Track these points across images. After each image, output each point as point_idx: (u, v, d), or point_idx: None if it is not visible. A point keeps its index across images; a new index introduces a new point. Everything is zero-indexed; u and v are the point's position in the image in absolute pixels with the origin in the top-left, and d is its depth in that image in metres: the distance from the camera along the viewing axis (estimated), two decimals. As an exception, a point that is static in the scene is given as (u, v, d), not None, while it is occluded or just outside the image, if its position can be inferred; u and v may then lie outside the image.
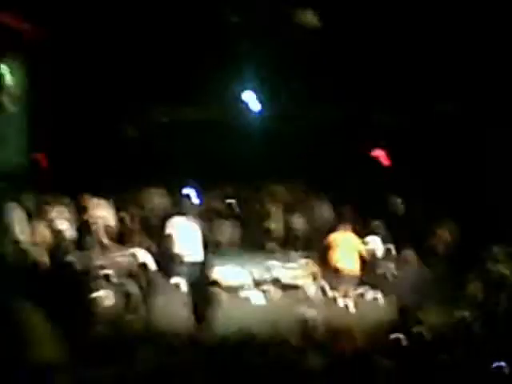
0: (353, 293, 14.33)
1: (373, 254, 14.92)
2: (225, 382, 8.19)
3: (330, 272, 14.53)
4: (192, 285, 12.26)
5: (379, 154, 18.00)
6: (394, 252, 14.70)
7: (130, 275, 12.59)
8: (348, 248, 14.51)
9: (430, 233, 15.99)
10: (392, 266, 14.57)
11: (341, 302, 12.21)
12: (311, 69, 16.20)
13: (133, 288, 12.33)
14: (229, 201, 17.47)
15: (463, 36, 15.64)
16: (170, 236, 14.85)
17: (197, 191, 16.12)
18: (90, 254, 14.31)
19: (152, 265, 13.48)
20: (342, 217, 16.05)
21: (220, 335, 10.80)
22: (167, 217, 15.40)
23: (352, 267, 14.45)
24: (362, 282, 15.15)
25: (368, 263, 14.96)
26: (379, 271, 14.85)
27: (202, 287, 12.18)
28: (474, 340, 10.30)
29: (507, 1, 15.41)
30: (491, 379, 8.64)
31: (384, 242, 14.85)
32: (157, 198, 17.50)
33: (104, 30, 16.16)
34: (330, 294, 14.28)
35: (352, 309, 12.91)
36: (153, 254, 13.95)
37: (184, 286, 12.82)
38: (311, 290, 11.93)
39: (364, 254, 14.62)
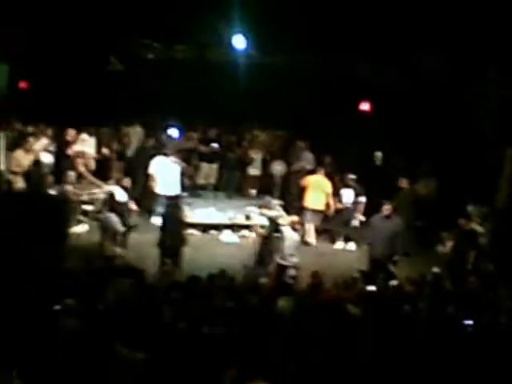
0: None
1: (346, 207, 15.09)
2: (192, 317, 8.33)
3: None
4: (166, 221, 12.31)
5: (362, 106, 17.95)
6: (362, 202, 14.91)
7: (110, 210, 12.58)
8: (317, 188, 15.37)
9: (408, 188, 16.12)
10: (362, 218, 14.81)
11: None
12: (297, 16, 15.98)
13: (110, 223, 12.37)
14: (212, 144, 17.45)
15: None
16: (152, 176, 14.91)
17: (179, 131, 16.07)
18: (71, 188, 14.31)
19: (129, 203, 13.51)
20: (322, 165, 16.24)
21: (191, 271, 10.99)
22: (150, 156, 15.42)
23: (318, 206, 15.28)
24: (335, 232, 15.44)
25: (341, 215, 15.17)
26: (351, 223, 15.08)
27: (175, 223, 12.25)
28: (443, 296, 10.48)
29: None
30: (457, 335, 8.87)
31: (357, 195, 14.99)
32: (139, 136, 17.48)
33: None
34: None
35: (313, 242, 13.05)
36: (131, 191, 13.96)
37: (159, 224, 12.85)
38: (290, 237, 11.95)
39: (330, 196, 15.30)
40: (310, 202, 15.36)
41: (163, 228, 12.19)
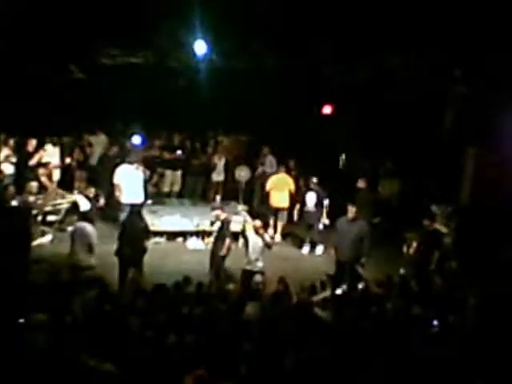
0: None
1: (309, 211, 15.14)
2: (157, 326, 8.29)
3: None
4: (125, 230, 12.18)
5: (325, 109, 18.02)
6: (326, 205, 14.95)
7: (83, 220, 12.40)
8: (281, 187, 15.95)
9: (372, 189, 16.23)
10: (326, 221, 14.86)
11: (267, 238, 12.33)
12: (258, 19, 15.96)
13: (85, 233, 12.20)
14: (177, 151, 17.40)
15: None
16: (117, 184, 14.75)
17: (142, 138, 15.98)
18: (34, 198, 14.16)
19: (92, 212, 13.34)
20: (287, 169, 16.37)
21: (157, 279, 10.93)
22: (114, 164, 15.29)
23: (284, 204, 15.86)
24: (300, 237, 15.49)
25: (306, 219, 15.22)
26: (316, 226, 15.10)
27: (135, 232, 12.14)
28: (409, 296, 10.54)
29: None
30: (424, 335, 8.93)
31: (321, 198, 15.03)
32: (104, 145, 17.35)
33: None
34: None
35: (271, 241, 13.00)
36: (95, 200, 13.83)
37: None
38: (254, 242, 11.93)
39: (293, 193, 15.85)
40: (275, 201, 15.83)
41: (121, 237, 12.06)
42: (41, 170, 15.13)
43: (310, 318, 9.20)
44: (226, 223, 12.46)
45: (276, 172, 16.58)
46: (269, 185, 16.09)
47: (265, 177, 17.02)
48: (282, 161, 17.13)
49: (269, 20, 15.83)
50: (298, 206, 15.33)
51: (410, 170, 16.27)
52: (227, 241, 12.24)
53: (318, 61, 17.59)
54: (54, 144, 16.00)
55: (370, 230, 12.70)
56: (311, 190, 15.15)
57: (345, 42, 16.13)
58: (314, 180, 15.17)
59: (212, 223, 13.33)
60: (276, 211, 15.90)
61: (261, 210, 16.21)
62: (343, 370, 7.72)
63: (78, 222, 12.09)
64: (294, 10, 15.57)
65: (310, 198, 15.09)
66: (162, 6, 15.58)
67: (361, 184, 15.56)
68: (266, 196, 16.28)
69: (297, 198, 15.62)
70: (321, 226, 15.14)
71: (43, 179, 14.97)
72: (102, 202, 14.04)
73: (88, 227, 11.76)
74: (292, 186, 15.94)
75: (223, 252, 12.20)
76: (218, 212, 12.67)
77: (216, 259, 12.27)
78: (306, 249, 15.21)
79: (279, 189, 15.91)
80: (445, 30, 14.39)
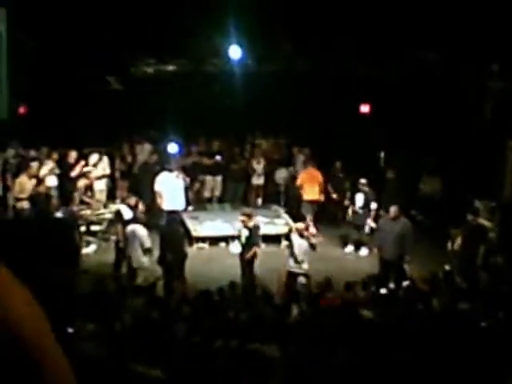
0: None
1: (357, 212, 15.04)
2: (203, 331, 8.33)
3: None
4: (165, 237, 12.27)
5: (362, 108, 17.97)
6: (374, 208, 14.83)
7: (135, 222, 12.51)
8: (310, 181, 16.23)
9: (415, 189, 16.17)
10: (374, 225, 14.75)
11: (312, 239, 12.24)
12: (290, 22, 15.99)
13: (138, 235, 12.31)
14: (217, 157, 17.47)
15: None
16: (158, 192, 14.84)
17: (180, 146, 16.07)
18: (78, 209, 14.36)
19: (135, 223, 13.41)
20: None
21: (203, 285, 10.99)
22: (154, 172, 15.39)
23: (315, 196, 16.10)
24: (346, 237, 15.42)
25: (354, 219, 15.13)
26: (363, 229, 15.01)
27: (175, 239, 12.23)
28: (456, 293, 10.45)
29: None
30: (472, 332, 8.84)
31: (369, 200, 14.93)
32: (146, 153, 17.48)
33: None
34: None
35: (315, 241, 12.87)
36: (136, 209, 13.93)
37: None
38: (298, 244, 11.91)
39: (322, 184, 16.20)
40: (309, 195, 16.08)
41: (162, 244, 12.15)
42: (80, 182, 15.30)
43: (355, 318, 9.18)
44: (254, 229, 12.26)
45: (304, 167, 16.91)
46: (299, 180, 16.35)
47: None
48: (327, 162, 17.15)
49: (300, 23, 15.87)
50: (347, 207, 15.34)
51: (451, 166, 16.13)
52: (254, 248, 12.12)
53: (352, 60, 17.57)
54: (101, 154, 16.12)
55: (412, 228, 12.64)
56: (359, 190, 15.05)
57: (377, 39, 16.09)
58: (363, 181, 15.04)
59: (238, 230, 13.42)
60: (311, 205, 16.01)
61: (295, 207, 16.28)
62: (390, 369, 7.67)
63: (129, 226, 12.25)
64: (326, 11, 15.60)
65: (359, 199, 14.99)
66: (196, 14, 15.70)
67: (390, 174, 15.70)
68: (299, 193, 16.38)
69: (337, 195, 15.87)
70: (367, 229, 15.03)
71: (82, 190, 15.14)
72: (141, 208, 14.07)
73: (138, 229, 11.92)
74: (321, 180, 16.19)
75: (247, 257, 12.12)
76: (243, 218, 12.44)
77: (244, 266, 12.26)
78: (349, 248, 15.12)
79: (309, 183, 16.13)
80: (481, 26, 14.27)
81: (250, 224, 12.26)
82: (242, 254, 12.32)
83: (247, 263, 12.16)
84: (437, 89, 16.43)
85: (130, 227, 12.09)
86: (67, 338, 7.93)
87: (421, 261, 13.14)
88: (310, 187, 16.10)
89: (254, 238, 12.18)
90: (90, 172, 15.59)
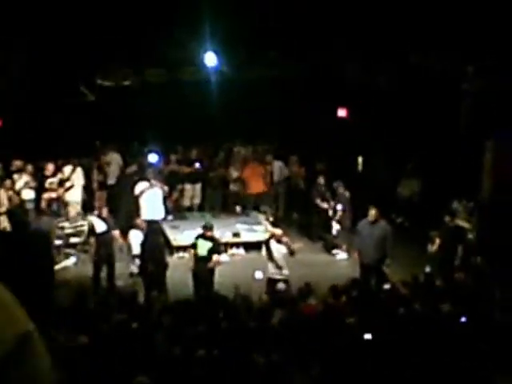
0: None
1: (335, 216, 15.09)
2: (186, 341, 8.28)
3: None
4: (146, 247, 12.26)
5: (340, 112, 18.00)
6: (340, 209, 14.86)
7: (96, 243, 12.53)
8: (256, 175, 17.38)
9: (392, 191, 16.21)
10: (338, 226, 14.82)
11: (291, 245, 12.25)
12: (267, 28, 15.96)
13: (98, 255, 12.32)
14: (196, 164, 17.41)
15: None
16: (137, 203, 14.73)
17: (158, 155, 15.98)
18: (56, 222, 14.26)
19: (112, 232, 13.30)
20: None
21: (182, 293, 10.95)
22: (133, 182, 15.28)
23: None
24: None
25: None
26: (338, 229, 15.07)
27: (156, 249, 12.21)
28: (436, 294, 10.48)
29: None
30: (451, 333, 8.85)
31: (341, 201, 14.96)
32: (117, 163, 17.37)
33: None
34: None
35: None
36: (114, 220, 13.84)
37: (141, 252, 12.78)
38: (276, 250, 11.89)
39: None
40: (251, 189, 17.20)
41: (143, 255, 12.11)
42: (45, 194, 15.17)
43: (337, 323, 9.16)
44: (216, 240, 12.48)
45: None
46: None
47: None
48: (309, 164, 17.21)
49: (277, 28, 15.84)
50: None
51: (429, 168, 16.19)
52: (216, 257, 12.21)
53: (331, 64, 17.58)
54: (75, 165, 15.98)
55: (392, 231, 12.66)
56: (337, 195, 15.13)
57: (355, 42, 16.11)
58: (336, 184, 15.10)
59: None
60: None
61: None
62: (373, 375, 7.66)
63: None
64: (304, 13, 15.56)
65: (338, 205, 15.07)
66: (171, 21, 15.63)
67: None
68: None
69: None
70: (334, 232, 15.08)
71: (43, 204, 15.04)
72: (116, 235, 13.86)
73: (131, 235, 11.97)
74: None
75: (210, 266, 12.11)
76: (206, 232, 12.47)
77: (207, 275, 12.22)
78: (336, 252, 15.15)
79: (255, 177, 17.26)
80: (457, 29, 14.35)
81: (211, 235, 12.41)
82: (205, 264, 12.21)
83: (209, 272, 12.13)
84: (414, 91, 16.47)
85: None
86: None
87: (401, 264, 13.15)
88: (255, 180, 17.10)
89: (216, 248, 12.28)
90: (58, 184, 15.44)
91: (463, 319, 9.11)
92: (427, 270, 12.32)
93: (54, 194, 15.25)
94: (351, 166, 17.40)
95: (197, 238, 12.36)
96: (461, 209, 13.89)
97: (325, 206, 15.45)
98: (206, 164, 17.77)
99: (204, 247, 12.17)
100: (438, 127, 16.02)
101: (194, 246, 12.30)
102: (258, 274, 13.21)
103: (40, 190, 15.34)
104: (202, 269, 12.08)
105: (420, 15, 14.81)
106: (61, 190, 15.39)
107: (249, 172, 17.47)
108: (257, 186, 17.41)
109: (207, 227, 12.41)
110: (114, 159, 17.40)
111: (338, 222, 14.83)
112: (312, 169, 17.11)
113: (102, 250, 12.47)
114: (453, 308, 9.53)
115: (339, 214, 14.90)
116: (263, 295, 11.44)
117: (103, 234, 12.63)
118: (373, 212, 12.48)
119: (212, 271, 12.13)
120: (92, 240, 12.71)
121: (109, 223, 12.88)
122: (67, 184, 15.49)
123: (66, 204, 15.43)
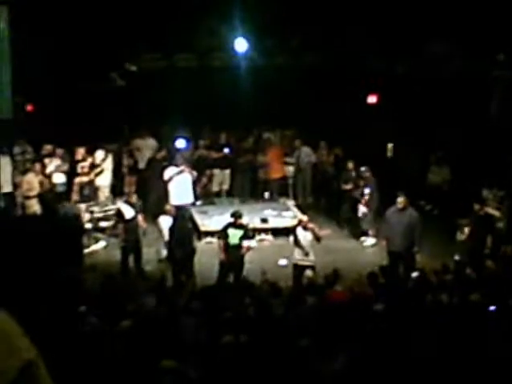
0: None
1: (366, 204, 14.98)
2: (214, 327, 8.32)
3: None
4: (174, 233, 12.30)
5: (370, 99, 17.90)
6: (367, 193, 14.76)
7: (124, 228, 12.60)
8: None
9: (422, 179, 16.09)
10: (364, 209, 14.74)
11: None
12: (297, 15, 15.92)
13: (126, 241, 12.40)
14: (225, 150, 17.42)
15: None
16: (166, 188, 14.76)
17: (187, 140, 15.99)
18: (86, 206, 14.37)
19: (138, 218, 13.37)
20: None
21: (211, 279, 10.98)
22: (161, 168, 15.31)
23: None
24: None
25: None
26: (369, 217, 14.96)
27: (184, 235, 12.25)
28: (466, 283, 10.40)
29: None
30: (480, 321, 8.79)
31: (373, 189, 14.86)
32: (152, 148, 17.42)
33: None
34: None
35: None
36: (143, 205, 13.91)
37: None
38: (303, 237, 11.88)
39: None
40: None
41: (171, 240, 12.16)
42: (76, 179, 15.25)
43: (366, 311, 9.13)
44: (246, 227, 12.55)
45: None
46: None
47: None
48: (331, 150, 17.17)
49: (306, 15, 15.80)
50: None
51: (460, 155, 16.05)
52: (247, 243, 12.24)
53: (360, 52, 17.49)
54: (106, 151, 16.07)
55: (420, 218, 12.57)
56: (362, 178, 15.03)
57: (385, 31, 16.02)
58: (363, 169, 14.98)
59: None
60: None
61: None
62: (400, 364, 7.63)
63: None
64: (332, 5, 15.54)
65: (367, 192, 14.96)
66: (201, 7, 15.63)
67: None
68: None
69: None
70: (360, 214, 14.97)
71: (75, 188, 15.12)
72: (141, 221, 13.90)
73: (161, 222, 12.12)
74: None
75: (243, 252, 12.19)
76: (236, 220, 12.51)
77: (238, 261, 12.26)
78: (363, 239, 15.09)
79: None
80: (486, 15, 14.19)
81: (241, 222, 12.43)
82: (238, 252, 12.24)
83: (242, 259, 12.17)
84: (445, 80, 16.33)
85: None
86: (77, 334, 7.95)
87: (430, 252, 13.07)
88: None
89: (247, 234, 12.32)
90: (89, 169, 15.52)
91: (492, 308, 9.03)
92: (456, 257, 12.22)
93: (85, 178, 15.30)
94: (381, 152, 17.26)
95: (227, 227, 12.32)
96: (491, 197, 13.74)
97: (353, 190, 15.37)
98: (234, 149, 17.77)
99: (236, 236, 12.18)
100: (468, 115, 15.89)
101: (225, 235, 12.25)
102: (283, 261, 13.27)
103: (71, 174, 15.46)
104: (236, 257, 12.10)
105: (450, 2, 14.72)
106: (92, 175, 15.47)
107: (272, 156, 17.50)
108: (279, 170, 17.46)
109: (236, 215, 12.38)
110: (148, 144, 17.43)
111: (366, 204, 14.71)
112: (339, 155, 17.03)
113: (130, 236, 12.55)
114: (482, 297, 9.45)
115: (366, 197, 14.77)
116: (290, 281, 11.48)
117: (131, 219, 12.71)
118: (401, 199, 12.40)
119: (243, 258, 12.14)
120: (120, 226, 12.77)
121: (136, 209, 12.97)
122: (97, 169, 15.57)
123: (96, 188, 15.50)
